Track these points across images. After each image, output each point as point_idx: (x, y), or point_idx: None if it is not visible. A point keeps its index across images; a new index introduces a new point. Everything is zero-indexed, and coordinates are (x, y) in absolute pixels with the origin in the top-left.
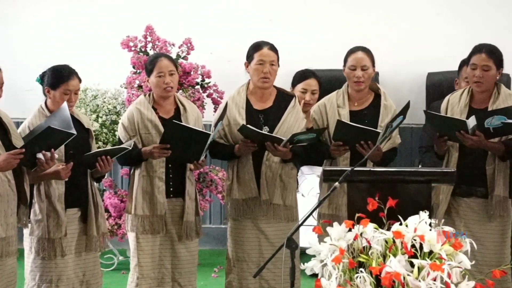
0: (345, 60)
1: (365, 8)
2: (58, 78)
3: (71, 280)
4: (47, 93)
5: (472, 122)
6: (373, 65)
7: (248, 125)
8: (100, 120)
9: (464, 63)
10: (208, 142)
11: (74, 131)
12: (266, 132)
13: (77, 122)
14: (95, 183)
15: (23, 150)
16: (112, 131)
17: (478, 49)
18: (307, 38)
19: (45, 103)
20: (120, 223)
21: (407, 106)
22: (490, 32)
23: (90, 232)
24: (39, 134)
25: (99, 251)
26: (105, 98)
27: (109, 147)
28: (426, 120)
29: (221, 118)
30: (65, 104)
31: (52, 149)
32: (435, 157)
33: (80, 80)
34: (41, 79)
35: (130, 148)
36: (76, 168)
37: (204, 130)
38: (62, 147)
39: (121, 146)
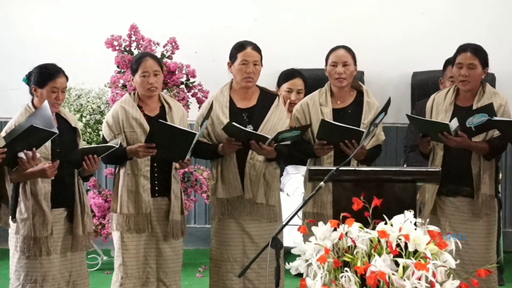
0: (327, 58)
1: (351, 8)
2: (45, 76)
3: (57, 280)
4: (34, 91)
5: (454, 124)
6: (355, 63)
7: (234, 123)
8: (84, 119)
9: (448, 62)
10: (194, 141)
11: (56, 130)
12: (251, 130)
13: (64, 121)
14: (82, 183)
15: (5, 149)
16: (96, 130)
17: (464, 48)
18: (292, 38)
19: (32, 102)
20: (104, 223)
21: (388, 103)
22: (475, 31)
23: (76, 232)
24: (21, 133)
25: (85, 250)
26: (89, 97)
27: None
28: (410, 123)
29: (206, 117)
30: (46, 103)
31: (34, 148)
32: (419, 156)
33: (67, 78)
34: (28, 78)
35: (117, 147)
36: (63, 167)
37: (189, 130)
38: (49, 146)
39: (108, 144)
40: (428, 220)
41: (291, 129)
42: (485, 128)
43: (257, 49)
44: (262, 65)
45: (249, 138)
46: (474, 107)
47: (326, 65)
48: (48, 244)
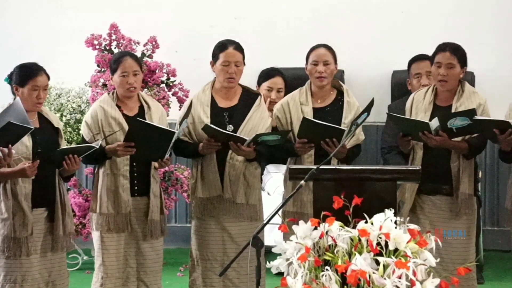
0: (307, 57)
1: (331, 7)
2: (26, 74)
3: (36, 281)
4: (15, 91)
5: (435, 123)
6: (335, 62)
7: (211, 125)
8: (64, 119)
9: (412, 62)
10: (173, 140)
11: (31, 126)
12: (229, 132)
13: (46, 121)
14: (63, 183)
15: None
16: (76, 129)
17: (443, 47)
18: (273, 36)
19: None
20: (84, 223)
21: (371, 103)
22: (455, 30)
23: (56, 232)
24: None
25: (65, 251)
26: (69, 96)
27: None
28: (390, 122)
29: (186, 116)
30: (18, 99)
31: (10, 145)
32: (397, 157)
33: (48, 77)
34: (9, 78)
35: (98, 147)
36: (44, 167)
37: (168, 128)
38: (30, 146)
39: (89, 144)
40: (408, 218)
41: (271, 132)
42: (466, 132)
43: (239, 48)
44: (244, 64)
45: (228, 139)
46: (454, 107)
47: (306, 63)
48: (28, 244)
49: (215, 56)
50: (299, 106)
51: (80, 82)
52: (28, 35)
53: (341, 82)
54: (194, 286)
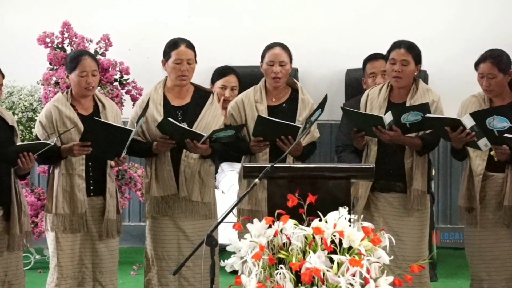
0: (263, 56)
1: (284, 4)
2: None
3: None
4: None
5: (388, 117)
6: (291, 61)
7: (170, 119)
8: (16, 117)
9: (367, 61)
10: (130, 138)
11: None
12: (187, 127)
13: (0, 119)
14: (19, 181)
15: None
16: (28, 128)
17: (398, 44)
18: (226, 35)
19: None
20: (37, 222)
21: (325, 100)
22: (408, 28)
23: (13, 231)
24: None
25: (22, 250)
26: (21, 95)
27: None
28: (344, 116)
29: (142, 114)
30: None
31: None
32: (351, 155)
33: (2, 75)
34: None
35: (53, 144)
36: None
37: (125, 127)
38: None
39: (44, 141)
40: (362, 216)
41: (225, 127)
42: (419, 128)
43: (191, 46)
44: (196, 62)
45: (184, 136)
46: (408, 104)
47: (262, 62)
48: None
49: (166, 55)
50: (253, 104)
51: (32, 80)
52: None
53: (295, 80)
54: (150, 286)
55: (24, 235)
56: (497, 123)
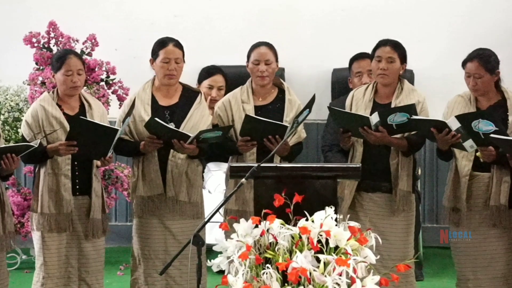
0: (249, 55)
1: (270, 4)
2: None
3: None
4: None
5: (375, 118)
6: (277, 60)
7: (157, 119)
8: (2, 117)
9: (353, 60)
10: (116, 138)
11: None
12: (173, 127)
13: None
14: (2, 182)
15: None
16: (14, 128)
17: (383, 42)
18: (213, 34)
19: None
20: (23, 222)
21: (312, 100)
22: (394, 28)
23: None
24: None
25: (5, 250)
26: (7, 95)
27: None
28: (330, 116)
29: (128, 114)
30: None
31: None
32: (337, 155)
33: None
34: None
35: (36, 146)
36: None
37: (111, 126)
38: None
39: (27, 143)
40: (348, 216)
41: (212, 128)
42: (405, 129)
43: (179, 45)
44: (184, 62)
45: (171, 136)
46: (393, 104)
47: (248, 61)
48: None
49: (154, 54)
50: (240, 104)
51: (18, 80)
52: None
53: (282, 80)
54: (136, 285)
55: (8, 235)
56: (483, 126)
